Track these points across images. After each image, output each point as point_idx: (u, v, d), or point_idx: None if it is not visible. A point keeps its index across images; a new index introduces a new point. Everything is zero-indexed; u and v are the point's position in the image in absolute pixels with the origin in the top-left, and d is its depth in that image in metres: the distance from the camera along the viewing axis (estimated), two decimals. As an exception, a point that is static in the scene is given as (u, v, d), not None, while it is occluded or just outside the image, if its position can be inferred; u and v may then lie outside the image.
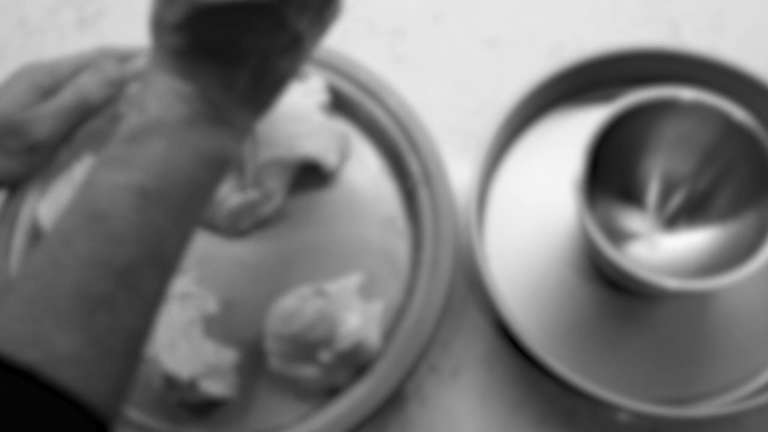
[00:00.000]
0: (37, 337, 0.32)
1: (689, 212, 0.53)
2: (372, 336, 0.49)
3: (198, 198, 0.40)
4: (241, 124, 0.41)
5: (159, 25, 0.39)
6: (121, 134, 0.38)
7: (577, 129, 0.50)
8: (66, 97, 0.53)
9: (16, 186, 0.54)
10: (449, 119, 0.60)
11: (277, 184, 0.54)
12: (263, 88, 0.41)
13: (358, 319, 0.49)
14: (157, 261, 0.37)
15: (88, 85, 0.54)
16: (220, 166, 0.40)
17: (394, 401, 0.51)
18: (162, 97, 0.38)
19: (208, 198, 0.41)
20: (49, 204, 0.53)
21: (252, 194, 0.53)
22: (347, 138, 0.57)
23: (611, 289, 0.53)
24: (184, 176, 0.38)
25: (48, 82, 0.53)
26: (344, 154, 0.57)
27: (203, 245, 0.54)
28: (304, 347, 0.49)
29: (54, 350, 0.32)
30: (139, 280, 0.36)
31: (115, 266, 0.35)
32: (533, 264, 0.54)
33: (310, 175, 0.56)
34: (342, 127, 0.57)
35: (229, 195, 0.53)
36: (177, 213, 0.38)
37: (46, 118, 0.52)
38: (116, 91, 0.56)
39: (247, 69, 0.40)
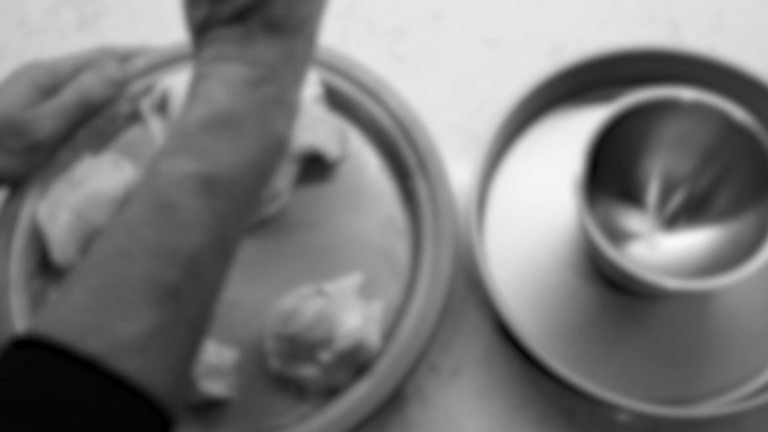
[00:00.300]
0: (103, 326, 0.32)
1: (689, 212, 0.53)
2: (372, 336, 0.49)
3: (260, 184, 0.40)
4: (293, 103, 0.41)
5: (207, 25, 0.40)
6: (187, 125, 0.38)
7: (577, 129, 0.50)
8: (67, 97, 0.53)
9: (16, 185, 0.54)
10: (449, 119, 0.60)
11: (283, 183, 0.54)
12: (311, 52, 0.42)
13: (358, 319, 0.49)
14: (220, 250, 0.37)
15: (90, 85, 0.54)
16: (279, 150, 0.41)
17: (394, 401, 0.51)
18: (230, 87, 0.38)
19: (267, 183, 0.41)
20: (49, 204, 0.53)
21: None
22: (345, 130, 0.57)
23: (611, 289, 0.53)
24: (250, 164, 0.38)
25: (49, 82, 0.53)
26: (343, 146, 0.57)
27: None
28: (304, 347, 0.49)
29: (119, 339, 0.32)
30: (204, 269, 0.36)
31: (182, 255, 0.35)
32: (533, 264, 0.54)
33: (311, 173, 0.56)
34: (338, 120, 0.57)
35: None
36: (241, 201, 0.38)
37: (47, 117, 0.52)
38: (117, 90, 0.56)
39: (305, 34, 0.40)
